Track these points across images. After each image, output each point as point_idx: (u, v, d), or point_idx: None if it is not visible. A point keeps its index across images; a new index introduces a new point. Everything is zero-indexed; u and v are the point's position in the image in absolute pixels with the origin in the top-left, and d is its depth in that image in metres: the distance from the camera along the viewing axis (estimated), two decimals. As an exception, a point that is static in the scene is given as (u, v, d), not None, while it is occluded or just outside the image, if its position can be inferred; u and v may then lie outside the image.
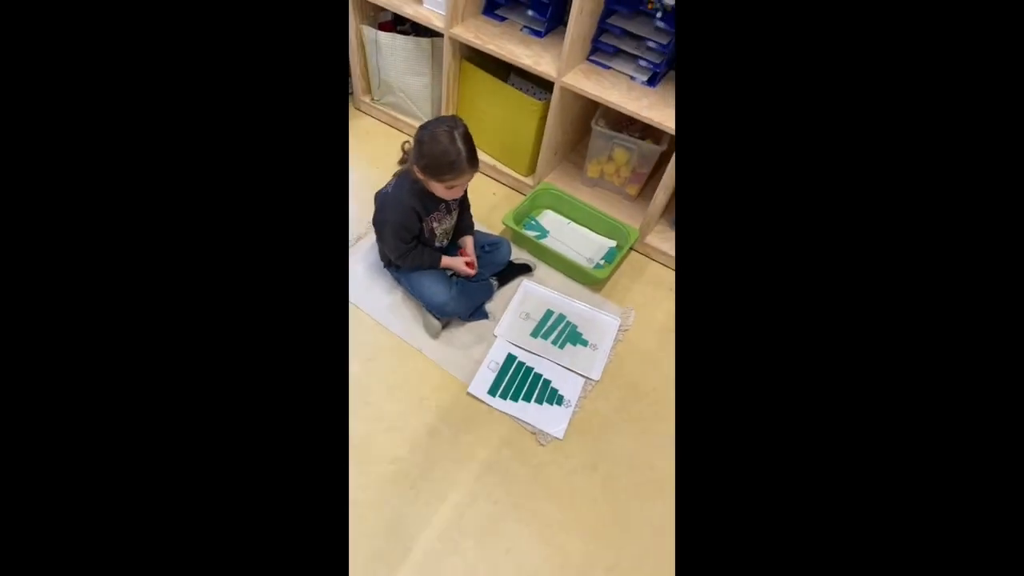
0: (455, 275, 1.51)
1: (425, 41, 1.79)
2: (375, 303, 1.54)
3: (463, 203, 1.52)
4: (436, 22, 1.67)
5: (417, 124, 1.93)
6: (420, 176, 1.27)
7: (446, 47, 1.72)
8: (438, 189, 1.29)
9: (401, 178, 1.37)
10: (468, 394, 1.39)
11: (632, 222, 1.76)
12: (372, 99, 2.05)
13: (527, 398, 1.41)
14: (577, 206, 1.80)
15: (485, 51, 1.64)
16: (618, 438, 1.37)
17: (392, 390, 1.38)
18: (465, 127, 1.25)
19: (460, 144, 1.22)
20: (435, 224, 1.43)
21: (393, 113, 2.02)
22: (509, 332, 1.53)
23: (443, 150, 1.21)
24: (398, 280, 1.54)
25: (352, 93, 2.07)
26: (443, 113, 1.91)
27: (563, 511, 1.23)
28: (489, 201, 1.88)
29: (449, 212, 1.45)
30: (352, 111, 2.10)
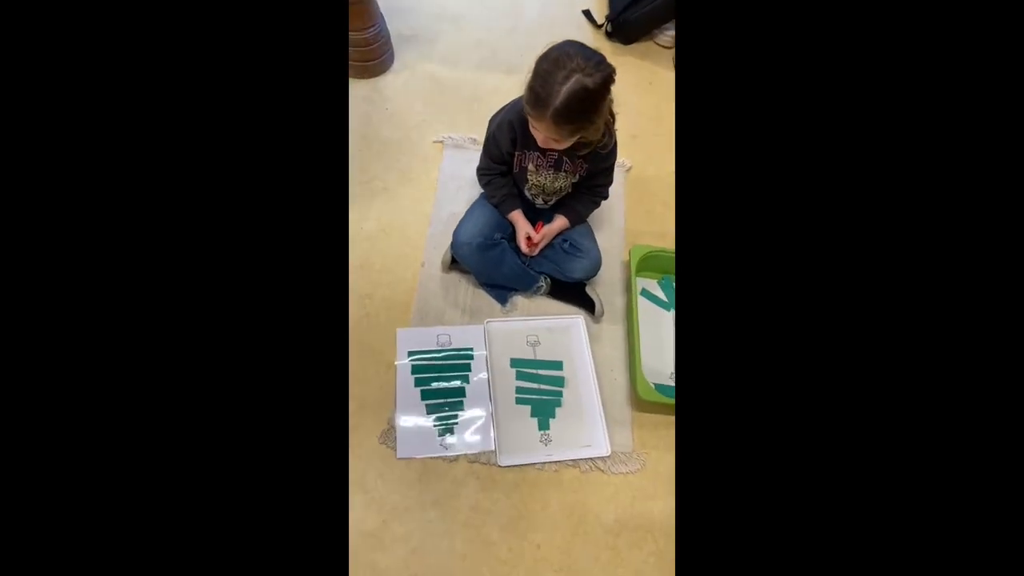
0: (512, 238, 1.20)
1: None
2: (447, 202, 1.36)
3: (590, 183, 1.16)
4: None
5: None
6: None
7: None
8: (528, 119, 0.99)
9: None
10: (396, 332, 1.16)
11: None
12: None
13: (428, 397, 1.10)
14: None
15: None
16: (439, 536, 0.98)
17: (361, 267, 1.24)
18: (600, 83, 0.88)
19: (565, 89, 0.87)
20: (529, 165, 1.13)
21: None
22: (495, 335, 1.19)
23: (550, 80, 0.88)
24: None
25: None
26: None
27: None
28: (662, 227, 1.41)
29: (553, 168, 1.12)
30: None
